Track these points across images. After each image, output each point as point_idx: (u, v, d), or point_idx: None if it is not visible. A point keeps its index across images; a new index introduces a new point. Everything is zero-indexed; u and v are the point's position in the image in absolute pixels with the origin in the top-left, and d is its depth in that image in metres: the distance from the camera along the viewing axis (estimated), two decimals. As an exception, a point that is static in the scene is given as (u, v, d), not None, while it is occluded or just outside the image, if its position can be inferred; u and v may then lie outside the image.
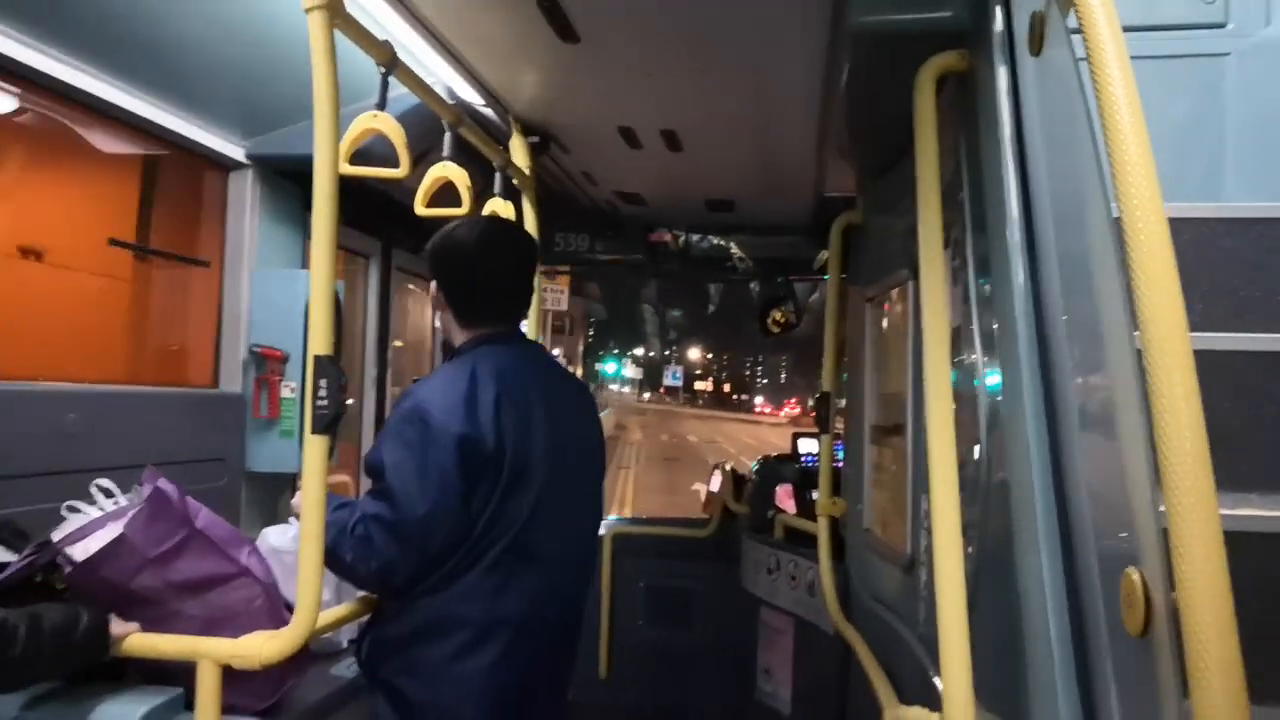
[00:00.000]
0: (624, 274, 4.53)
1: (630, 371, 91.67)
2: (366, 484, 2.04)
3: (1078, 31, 1.11)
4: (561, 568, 2.12)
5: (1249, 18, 2.02)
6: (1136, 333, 0.92)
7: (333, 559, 1.90)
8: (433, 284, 2.17)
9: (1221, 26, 2.03)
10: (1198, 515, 0.81)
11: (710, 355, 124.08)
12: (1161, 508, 0.86)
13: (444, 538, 1.91)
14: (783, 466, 4.22)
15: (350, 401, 3.00)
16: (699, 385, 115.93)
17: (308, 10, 1.65)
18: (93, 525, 1.77)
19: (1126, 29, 1.07)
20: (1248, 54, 1.98)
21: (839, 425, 3.32)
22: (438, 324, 2.28)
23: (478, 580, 1.95)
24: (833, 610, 2.80)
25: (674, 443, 36.26)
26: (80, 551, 1.73)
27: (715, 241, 4.30)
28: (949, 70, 1.71)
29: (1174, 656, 0.84)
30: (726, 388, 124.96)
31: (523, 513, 1.98)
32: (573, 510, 2.16)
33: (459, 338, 2.16)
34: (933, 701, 1.50)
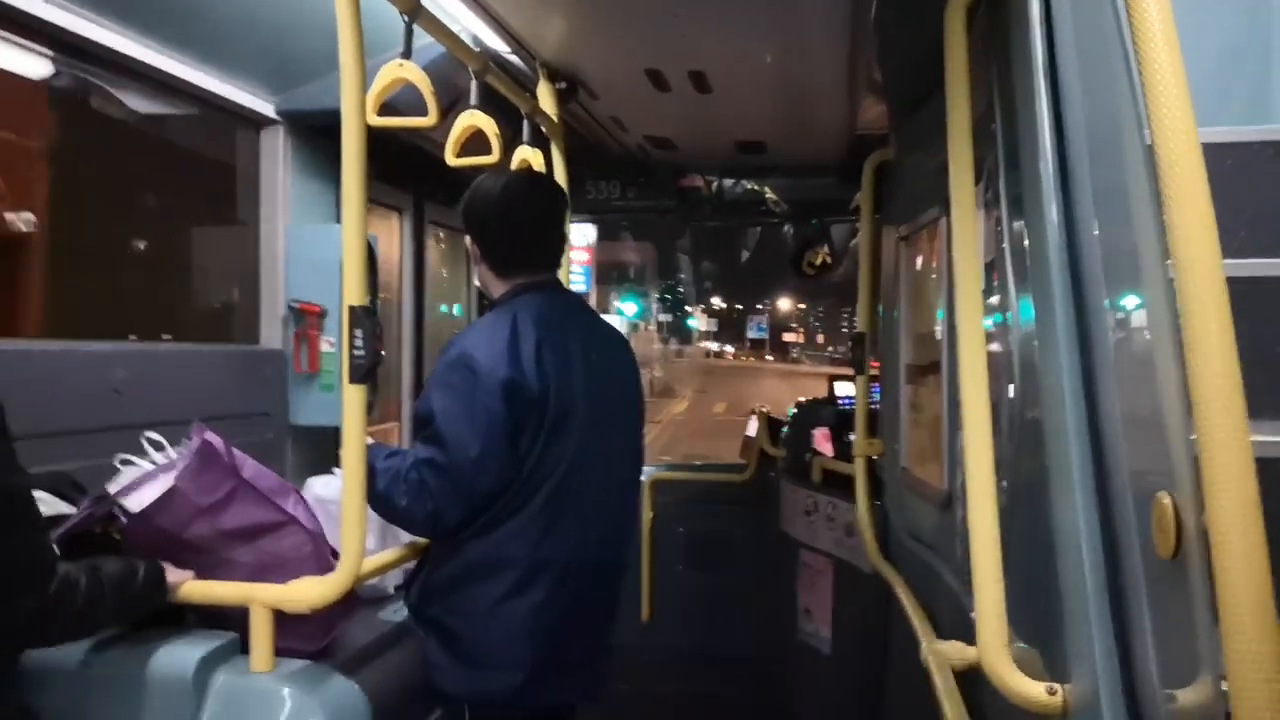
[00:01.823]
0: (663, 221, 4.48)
1: (703, 323, 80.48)
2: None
3: None
4: (604, 512, 2.17)
5: None
6: (1169, 261, 0.91)
7: (386, 505, 1.96)
8: (467, 238, 2.21)
9: None
10: (1227, 438, 0.80)
11: (804, 305, 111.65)
12: (1193, 435, 0.85)
13: (494, 479, 1.97)
14: (820, 409, 4.22)
15: (383, 353, 3.02)
16: (788, 337, 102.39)
17: None
18: (145, 478, 1.83)
19: None
20: None
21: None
22: (476, 281, 2.31)
23: (524, 523, 2.01)
24: (871, 550, 2.82)
25: (730, 419, 22.73)
26: (135, 503, 1.79)
27: (748, 185, 4.25)
28: None
29: (1205, 581, 0.85)
30: (820, 339, 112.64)
31: (566, 457, 2.03)
32: (613, 456, 2.21)
33: (497, 289, 2.19)
34: (970, 635, 1.51)
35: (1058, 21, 1.44)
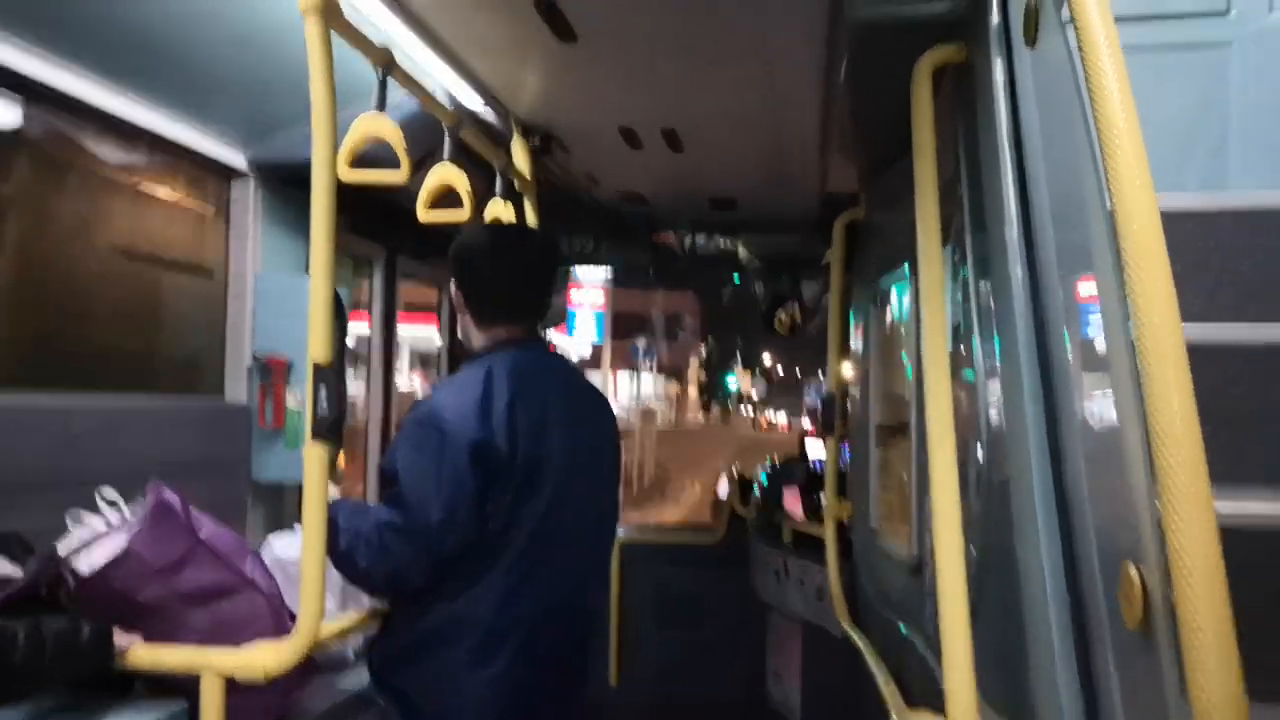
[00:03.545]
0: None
1: (749, 385, 66.07)
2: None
3: (1072, 22, 1.10)
4: (575, 572, 2.12)
5: (1251, 5, 2.00)
6: (1130, 323, 0.91)
7: (347, 564, 1.92)
8: (452, 285, 2.20)
9: (1224, 14, 2.00)
10: (1192, 509, 0.79)
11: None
12: (1158, 501, 0.84)
13: (457, 541, 1.92)
14: (790, 469, 4.21)
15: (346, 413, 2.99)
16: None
17: (304, 13, 1.65)
18: (98, 537, 1.77)
19: (1128, 19, 1.06)
20: (1250, 42, 1.96)
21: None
22: (460, 333, 2.29)
23: (489, 586, 1.96)
24: (840, 614, 2.78)
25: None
26: (86, 564, 1.73)
27: (721, 241, 4.28)
28: (947, 62, 1.70)
29: (1173, 652, 0.83)
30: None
31: (536, 517, 1.99)
32: (587, 515, 2.16)
33: (477, 340, 2.17)
34: (940, 703, 1.48)
35: (1021, 87, 1.47)
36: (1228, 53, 1.96)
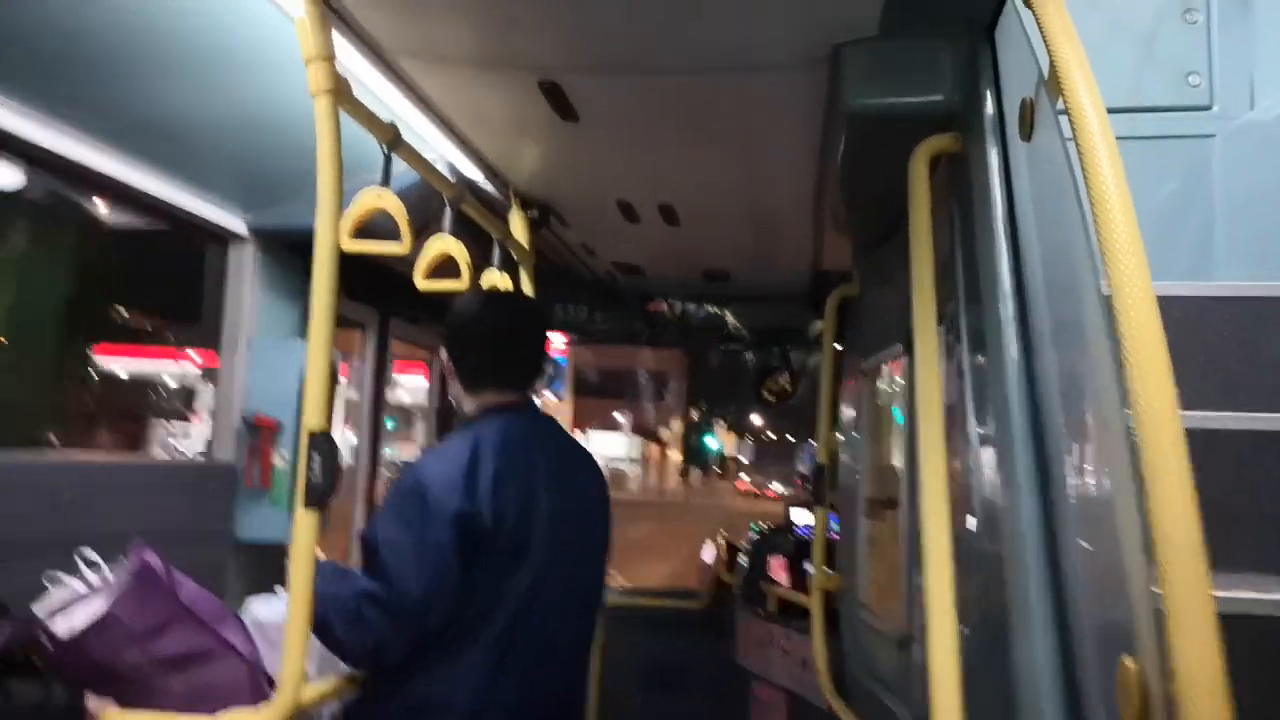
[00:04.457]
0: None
1: (732, 448, 60.81)
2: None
3: (1065, 113, 1.14)
4: (560, 648, 2.07)
5: (1233, 100, 2.07)
6: (1128, 410, 0.92)
7: (324, 631, 1.87)
8: (443, 352, 2.20)
9: (1207, 109, 2.07)
10: (1192, 604, 0.80)
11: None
12: (1155, 589, 0.85)
13: (439, 616, 1.88)
14: (776, 537, 4.19)
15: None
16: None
17: (314, 95, 1.68)
18: (77, 600, 1.74)
19: (1114, 110, 1.10)
20: (1233, 136, 2.02)
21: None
22: (451, 399, 2.29)
23: (472, 660, 1.91)
24: (826, 686, 2.75)
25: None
26: (64, 628, 1.69)
27: (711, 310, 4.32)
28: (942, 151, 1.74)
29: None
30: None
31: (520, 591, 1.95)
32: (574, 589, 2.12)
33: (467, 405, 2.16)
34: None
35: (1015, 175, 1.51)
36: (1211, 146, 2.02)
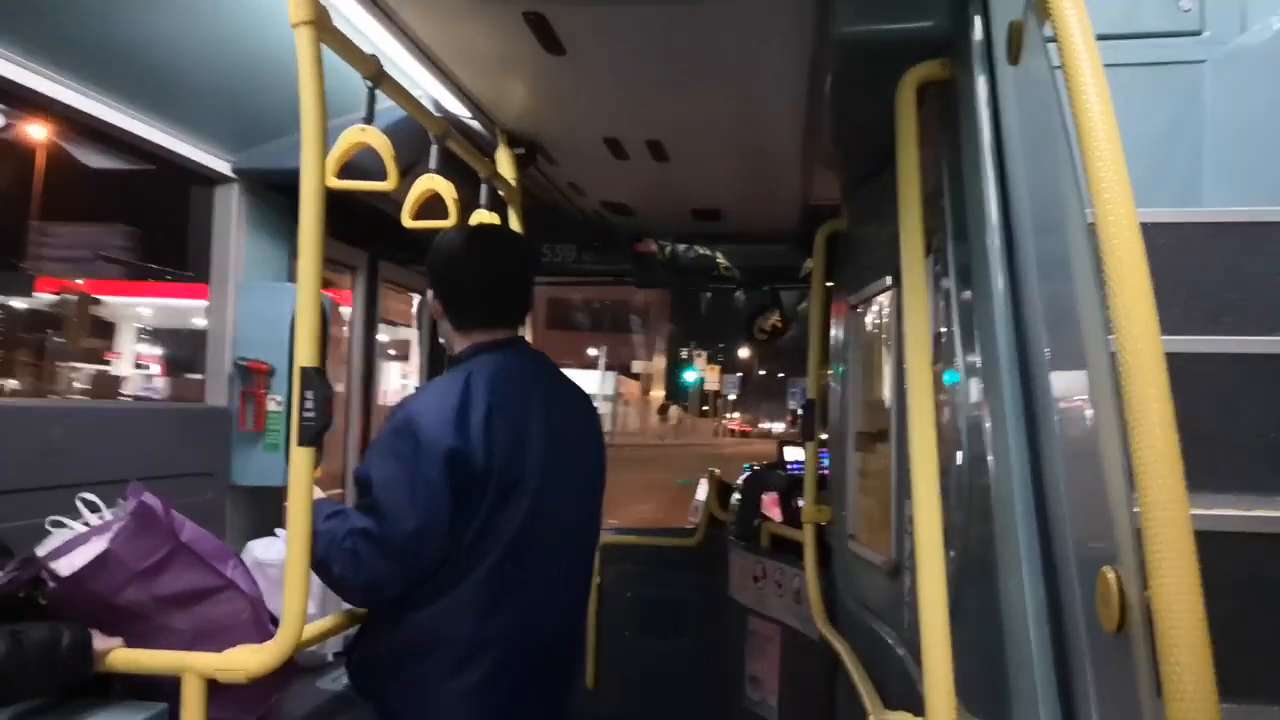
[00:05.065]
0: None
1: (713, 380, 53.77)
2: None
3: (1054, 40, 1.13)
4: (555, 584, 2.10)
5: (1224, 25, 2.05)
6: (1111, 336, 0.93)
7: (322, 570, 1.90)
8: (429, 293, 2.19)
9: (1197, 34, 2.06)
10: (1169, 514, 0.82)
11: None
12: (1136, 508, 0.87)
13: (433, 552, 1.91)
14: (769, 474, 4.23)
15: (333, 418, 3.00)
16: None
17: (295, 25, 1.66)
18: (77, 540, 1.77)
19: (1104, 37, 1.09)
20: (1223, 61, 2.01)
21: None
22: (441, 339, 2.28)
23: (466, 595, 1.94)
24: (818, 617, 2.80)
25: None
26: (65, 566, 1.72)
27: (701, 251, 4.30)
28: (930, 79, 1.73)
29: (1148, 654, 0.85)
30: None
31: (513, 527, 1.97)
32: (569, 525, 2.14)
33: (457, 345, 2.16)
34: (917, 706, 1.50)
35: (1003, 103, 1.50)
36: (1201, 71, 2.01)
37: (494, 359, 2.08)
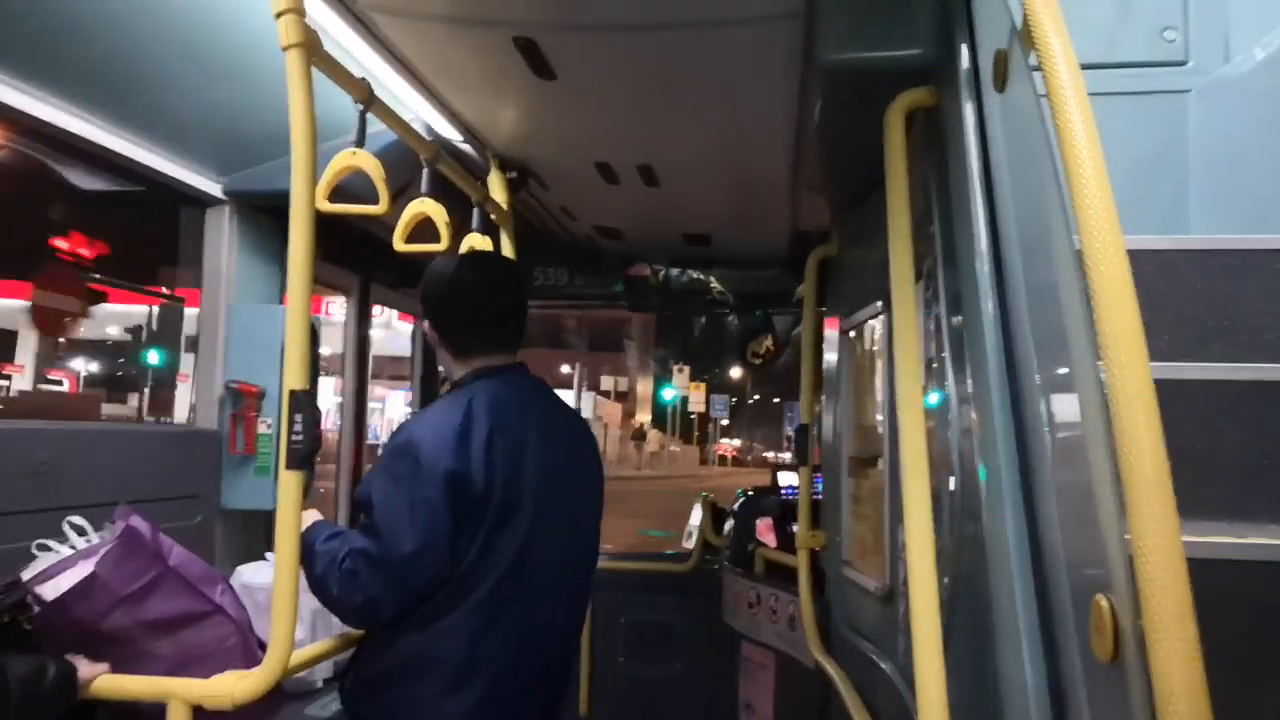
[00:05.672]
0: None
1: (701, 400, 48.59)
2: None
3: (1039, 70, 1.14)
4: (553, 607, 2.09)
5: (1208, 55, 2.07)
6: (1100, 362, 0.94)
7: (320, 590, 1.91)
8: (425, 323, 2.19)
9: (1182, 64, 2.08)
10: (1161, 541, 0.82)
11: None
12: (1128, 535, 0.87)
13: (431, 575, 1.90)
14: (763, 499, 4.22)
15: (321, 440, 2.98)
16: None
17: (285, 48, 1.67)
18: (63, 564, 1.75)
19: (1089, 66, 1.10)
20: (1207, 91, 2.03)
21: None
22: (440, 366, 2.28)
23: (462, 619, 1.94)
24: (813, 643, 2.79)
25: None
26: (50, 590, 1.70)
27: (694, 275, 4.31)
28: (918, 105, 1.74)
29: (1143, 683, 0.85)
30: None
31: (511, 551, 1.97)
32: (567, 548, 2.14)
33: (457, 372, 2.16)
34: None
35: (990, 130, 1.51)
36: (1186, 100, 2.03)
37: (496, 384, 2.09)
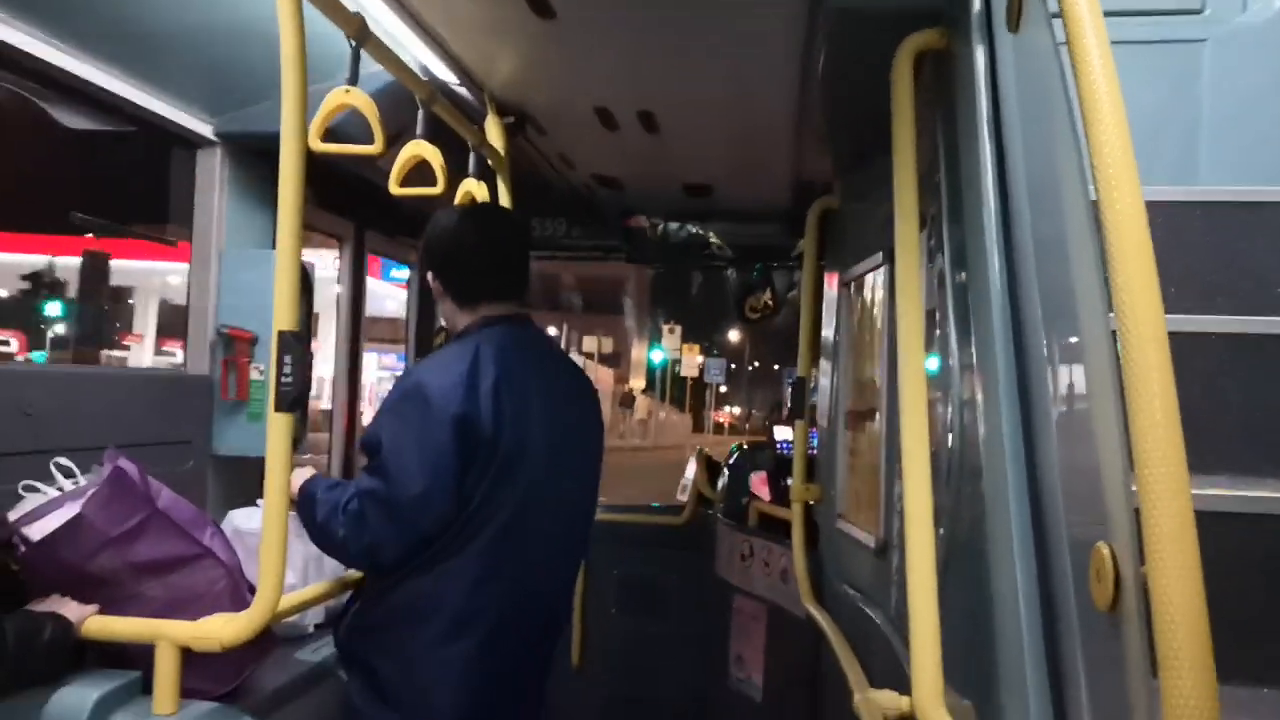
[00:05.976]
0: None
1: (695, 366, 44.61)
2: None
3: (1057, 16, 1.10)
4: (551, 557, 2.11)
5: (1225, 4, 2.02)
6: (1111, 314, 0.91)
7: (323, 535, 1.91)
8: (429, 275, 2.17)
9: (1198, 13, 2.03)
10: (1170, 490, 0.80)
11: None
12: (1134, 487, 0.85)
13: (437, 517, 1.91)
14: (758, 453, 4.22)
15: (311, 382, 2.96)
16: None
17: None
18: (50, 505, 1.74)
19: (1105, 13, 1.06)
20: (1223, 40, 1.98)
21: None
22: (443, 319, 2.26)
23: (464, 564, 1.94)
24: (805, 595, 2.80)
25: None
26: (37, 531, 1.69)
27: (692, 229, 4.27)
28: (927, 48, 1.70)
29: (1142, 634, 0.84)
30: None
31: (514, 500, 1.97)
32: (566, 499, 2.15)
33: (462, 321, 2.14)
34: (903, 685, 1.49)
35: (1002, 74, 1.47)
36: (1201, 50, 1.99)
37: (501, 332, 2.08)
